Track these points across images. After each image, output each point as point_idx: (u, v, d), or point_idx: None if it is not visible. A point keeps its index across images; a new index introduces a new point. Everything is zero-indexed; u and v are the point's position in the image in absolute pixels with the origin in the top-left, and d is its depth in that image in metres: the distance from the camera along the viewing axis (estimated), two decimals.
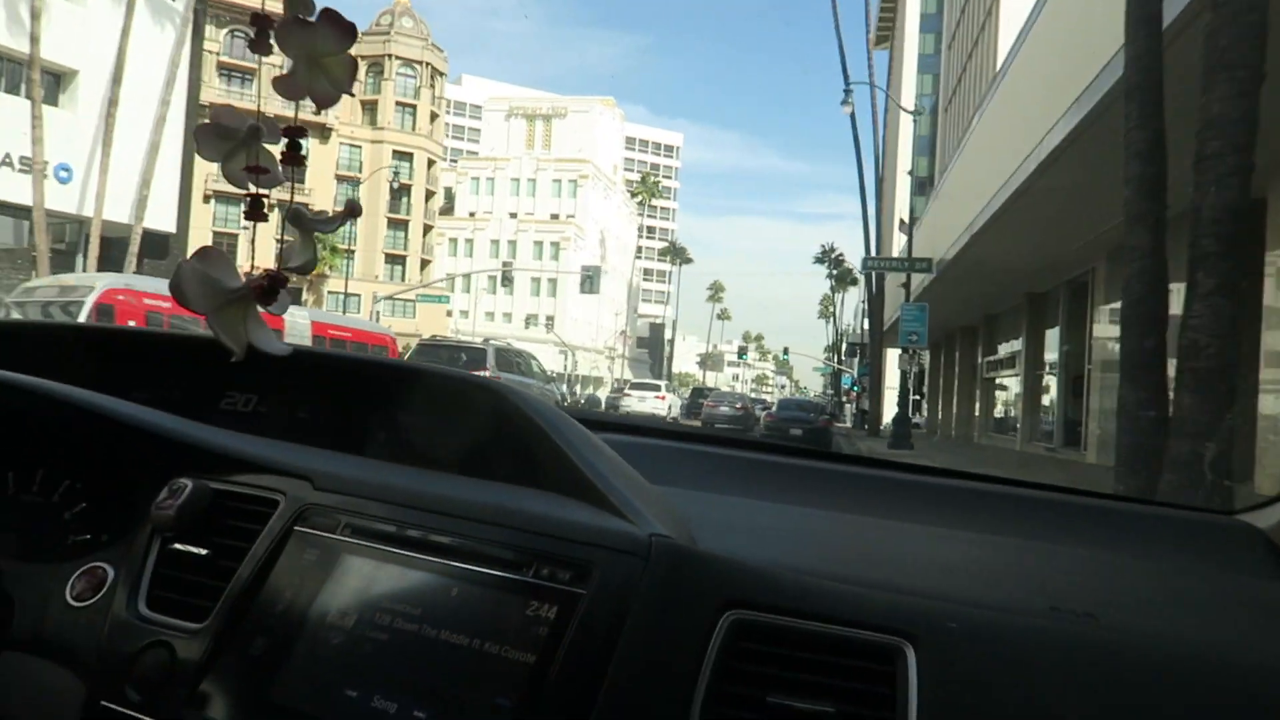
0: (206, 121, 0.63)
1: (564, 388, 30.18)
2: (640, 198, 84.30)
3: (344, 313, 47.15)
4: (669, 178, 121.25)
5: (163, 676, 0.85)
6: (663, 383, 40.14)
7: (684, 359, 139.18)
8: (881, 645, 0.76)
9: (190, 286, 0.60)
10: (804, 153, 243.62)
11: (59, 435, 1.08)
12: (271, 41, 0.61)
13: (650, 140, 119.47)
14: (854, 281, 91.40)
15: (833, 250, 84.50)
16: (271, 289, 0.63)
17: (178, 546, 0.96)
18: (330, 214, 0.67)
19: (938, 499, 1.41)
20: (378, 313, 39.07)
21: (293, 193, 0.65)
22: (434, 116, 65.02)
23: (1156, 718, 0.71)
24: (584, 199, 78.87)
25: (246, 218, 0.64)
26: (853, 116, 26.77)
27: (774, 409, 27.30)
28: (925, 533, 1.23)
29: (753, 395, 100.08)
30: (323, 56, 0.62)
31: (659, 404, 32.26)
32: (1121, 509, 1.40)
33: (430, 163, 64.54)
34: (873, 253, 28.83)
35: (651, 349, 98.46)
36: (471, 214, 78.25)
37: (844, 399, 62.20)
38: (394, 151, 61.26)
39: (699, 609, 0.78)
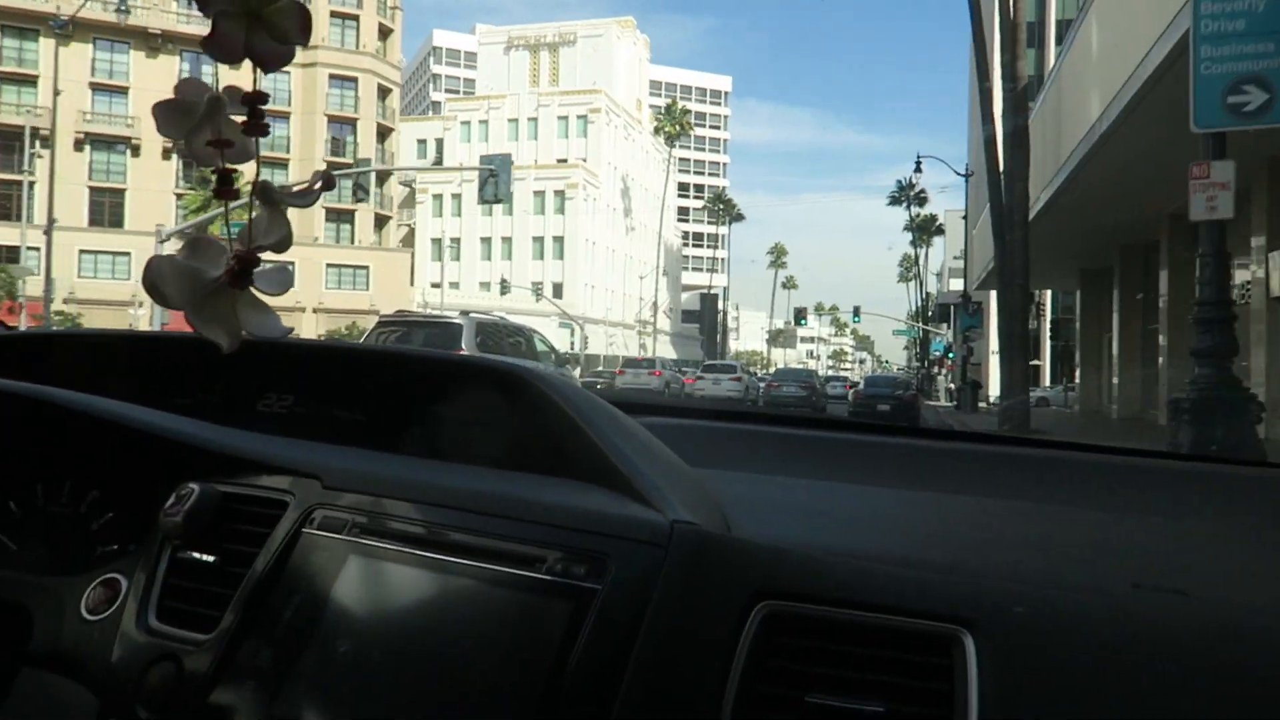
0: (165, 98, 0.57)
1: (575, 371, 23.16)
2: (667, 132, 68.31)
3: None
4: (717, 128, 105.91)
5: (170, 692, 0.84)
6: (737, 363, 36.03)
7: (750, 337, 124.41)
8: (936, 634, 0.68)
9: (167, 282, 0.55)
10: (880, 126, 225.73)
11: (81, 445, 1.08)
12: None
13: (693, 86, 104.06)
14: (939, 230, 75.57)
15: (912, 186, 68.16)
16: (244, 271, 0.57)
17: (188, 554, 0.95)
18: (301, 186, 0.60)
19: (1002, 468, 1.29)
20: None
21: (259, 164, 0.60)
22: (385, 32, 51.15)
23: (1261, 701, 0.62)
24: (597, 138, 63.99)
25: (216, 195, 0.59)
26: None
27: (861, 386, 26.59)
28: (988, 507, 1.12)
29: (831, 373, 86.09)
30: (263, 7, 0.54)
31: (734, 385, 28.07)
32: (1211, 470, 1.28)
33: (384, 91, 50.66)
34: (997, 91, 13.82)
35: (703, 323, 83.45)
36: (461, 166, 64.21)
37: (937, 369, 47.71)
38: (330, 76, 47.52)
39: (728, 601, 0.72)
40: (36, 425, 1.08)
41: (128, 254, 42.29)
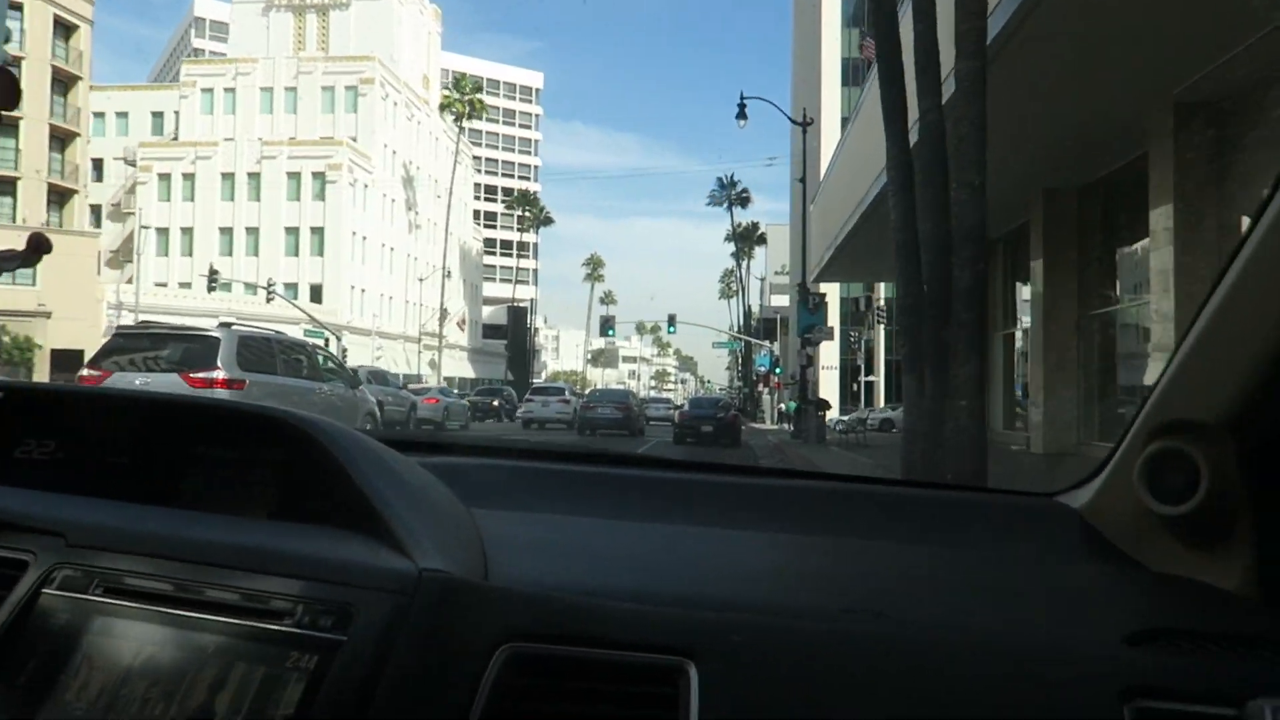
0: None
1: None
2: (455, 111, 58.60)
3: None
4: (527, 127, 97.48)
5: None
6: (566, 385, 34.72)
7: (569, 356, 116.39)
8: (662, 666, 0.73)
9: None
10: (703, 153, 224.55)
11: None
12: None
13: (500, 80, 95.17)
14: (761, 240, 69.99)
15: (734, 183, 61.80)
16: None
17: None
18: (13, 250, 0.54)
19: (753, 500, 1.37)
20: None
21: None
22: None
23: (945, 710, 0.70)
24: (370, 113, 54.03)
25: None
26: None
27: (686, 407, 25.86)
28: (726, 537, 1.19)
29: (653, 394, 78.81)
30: None
31: (563, 408, 27.31)
32: (935, 497, 1.39)
33: (66, 28, 39.04)
34: None
35: (510, 340, 74.20)
36: (197, 143, 52.41)
37: (762, 387, 41.06)
38: None
39: (471, 645, 0.74)
40: None
41: None
